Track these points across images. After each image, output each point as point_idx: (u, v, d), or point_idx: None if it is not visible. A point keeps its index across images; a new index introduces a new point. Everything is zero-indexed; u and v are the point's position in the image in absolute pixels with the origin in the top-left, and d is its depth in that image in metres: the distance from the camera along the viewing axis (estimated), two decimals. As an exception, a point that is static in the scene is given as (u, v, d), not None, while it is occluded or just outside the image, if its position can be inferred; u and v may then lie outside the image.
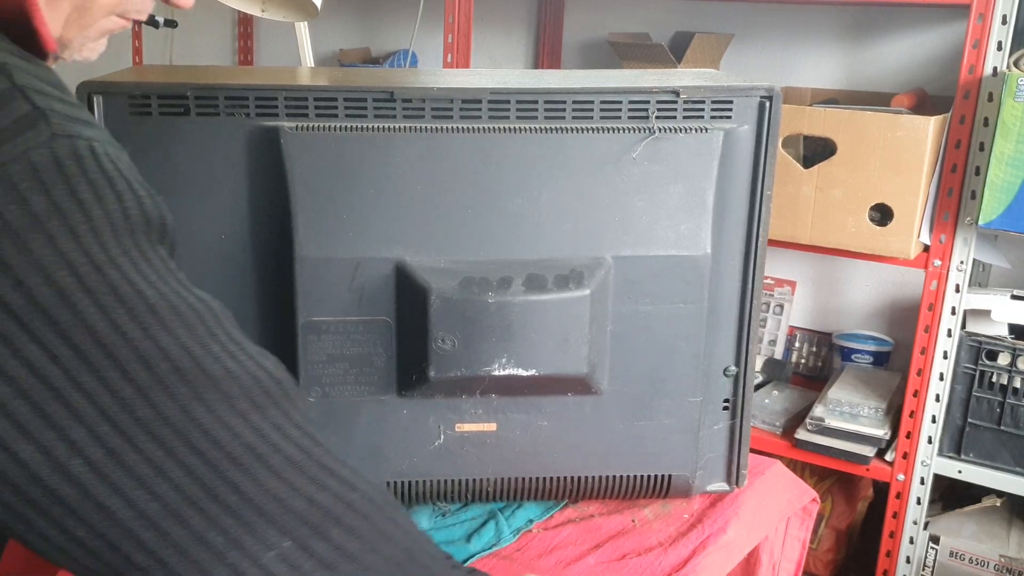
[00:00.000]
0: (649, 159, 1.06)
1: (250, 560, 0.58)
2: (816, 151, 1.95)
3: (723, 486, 1.21)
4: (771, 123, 1.09)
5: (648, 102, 1.07)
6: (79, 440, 0.55)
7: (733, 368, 1.16)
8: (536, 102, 1.06)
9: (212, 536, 0.58)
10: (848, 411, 2.05)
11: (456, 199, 1.05)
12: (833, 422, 2.03)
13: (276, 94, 1.04)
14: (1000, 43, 1.76)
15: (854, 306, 2.39)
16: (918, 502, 2.02)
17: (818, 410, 2.07)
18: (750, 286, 1.13)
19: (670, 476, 1.16)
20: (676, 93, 1.07)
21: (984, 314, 1.93)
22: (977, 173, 1.81)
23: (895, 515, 2.04)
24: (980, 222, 1.78)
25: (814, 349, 2.42)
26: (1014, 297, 1.96)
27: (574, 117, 1.07)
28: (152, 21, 2.69)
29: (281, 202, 1.03)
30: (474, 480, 1.14)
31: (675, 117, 1.08)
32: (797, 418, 2.14)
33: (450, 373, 1.05)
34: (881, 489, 2.18)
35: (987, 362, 1.90)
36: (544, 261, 1.06)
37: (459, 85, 1.08)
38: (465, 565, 0.75)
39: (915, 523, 2.03)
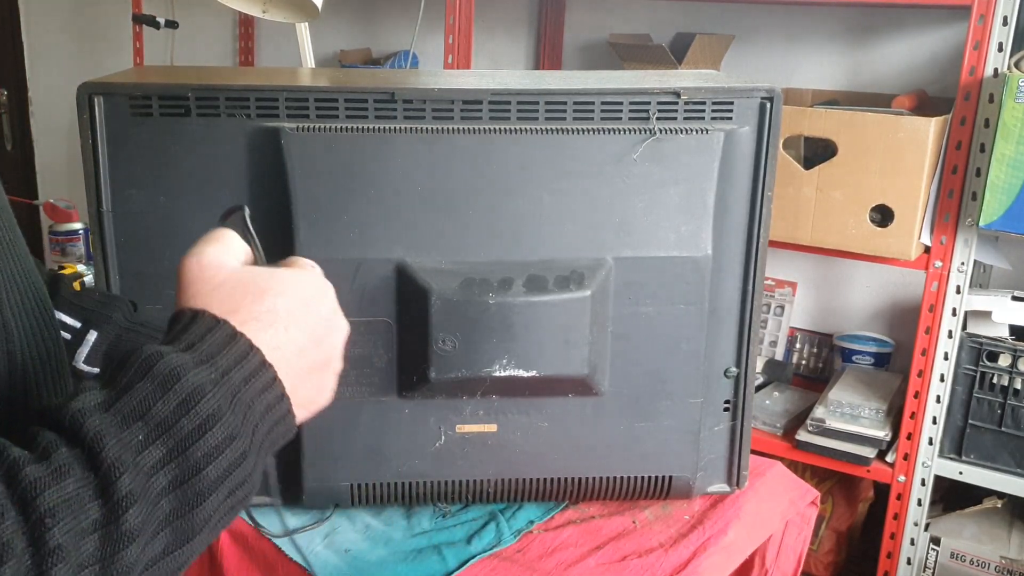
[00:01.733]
0: (650, 160, 1.06)
1: None
2: (817, 152, 1.95)
3: (724, 487, 1.21)
4: (772, 124, 1.09)
5: (649, 103, 1.07)
6: None
7: (734, 369, 1.16)
8: (537, 103, 1.06)
9: None
10: (849, 412, 2.05)
11: (457, 200, 1.05)
12: (834, 423, 2.03)
13: (277, 95, 1.04)
14: (1001, 44, 1.76)
15: (855, 307, 2.39)
16: (919, 503, 2.02)
17: (819, 411, 2.07)
18: (751, 287, 1.13)
19: (671, 477, 1.16)
20: (677, 94, 1.07)
21: (985, 315, 1.93)
22: (978, 174, 1.81)
23: (896, 516, 2.04)
24: (981, 223, 1.78)
25: (815, 350, 2.42)
26: (1015, 298, 1.96)
27: (575, 118, 1.07)
28: (153, 22, 2.70)
29: (282, 203, 1.03)
30: (475, 481, 1.14)
31: (676, 118, 1.08)
32: (798, 419, 2.14)
33: (451, 374, 1.05)
34: (882, 490, 2.18)
35: (988, 363, 1.90)
36: (545, 262, 1.06)
37: (460, 86, 1.08)
38: None
39: (916, 524, 2.03)
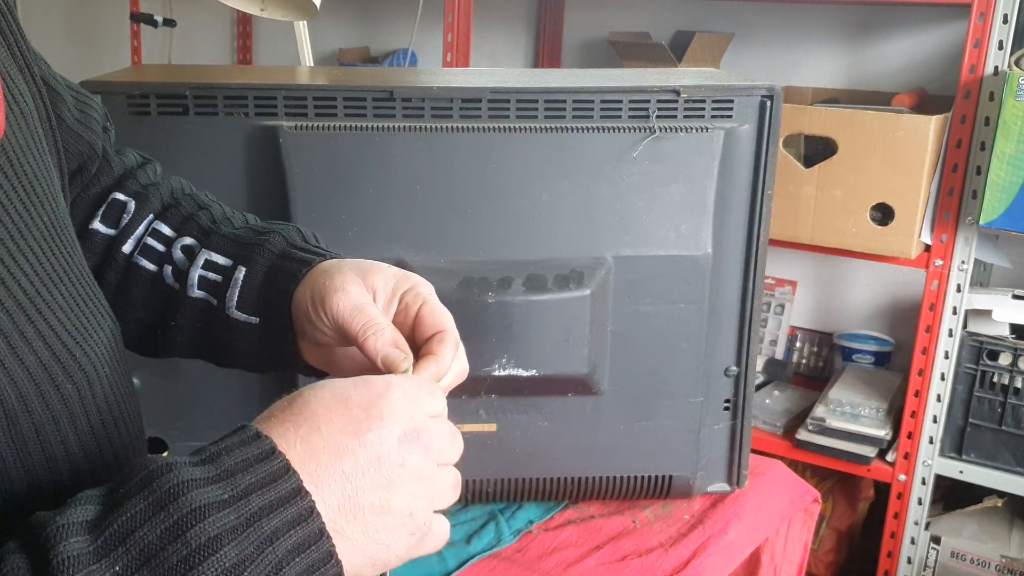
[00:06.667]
0: (650, 159, 1.06)
1: None
2: (817, 151, 1.95)
3: (724, 487, 1.21)
4: (772, 122, 1.08)
5: (649, 101, 1.07)
6: None
7: (734, 368, 1.16)
8: (536, 101, 1.06)
9: None
10: (849, 411, 2.05)
11: (456, 199, 1.05)
12: (834, 422, 2.02)
13: (275, 93, 1.03)
14: (1001, 42, 1.75)
15: (855, 306, 2.38)
16: (919, 502, 2.01)
17: (819, 410, 2.07)
18: (751, 286, 1.13)
19: (671, 477, 1.16)
20: (677, 92, 1.07)
21: (985, 314, 1.93)
22: (978, 172, 1.81)
23: (896, 515, 2.04)
24: (981, 222, 1.77)
25: (815, 349, 2.42)
26: (1015, 297, 1.95)
27: (574, 117, 1.06)
28: (151, 20, 2.70)
29: (280, 202, 1.03)
30: (474, 481, 1.14)
31: (676, 116, 1.07)
32: (798, 418, 2.14)
33: (450, 373, 1.05)
34: (882, 489, 2.18)
35: (988, 362, 1.90)
36: (544, 261, 1.05)
37: (459, 84, 1.07)
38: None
39: (916, 523, 2.03)
